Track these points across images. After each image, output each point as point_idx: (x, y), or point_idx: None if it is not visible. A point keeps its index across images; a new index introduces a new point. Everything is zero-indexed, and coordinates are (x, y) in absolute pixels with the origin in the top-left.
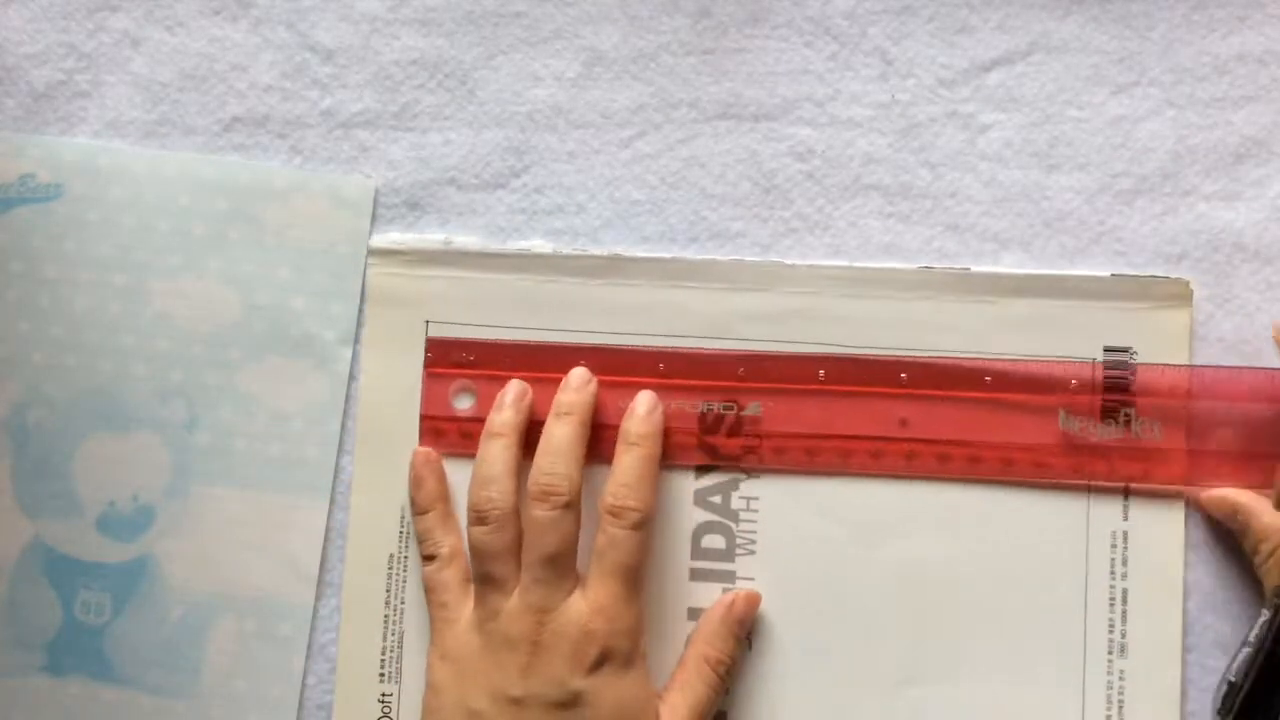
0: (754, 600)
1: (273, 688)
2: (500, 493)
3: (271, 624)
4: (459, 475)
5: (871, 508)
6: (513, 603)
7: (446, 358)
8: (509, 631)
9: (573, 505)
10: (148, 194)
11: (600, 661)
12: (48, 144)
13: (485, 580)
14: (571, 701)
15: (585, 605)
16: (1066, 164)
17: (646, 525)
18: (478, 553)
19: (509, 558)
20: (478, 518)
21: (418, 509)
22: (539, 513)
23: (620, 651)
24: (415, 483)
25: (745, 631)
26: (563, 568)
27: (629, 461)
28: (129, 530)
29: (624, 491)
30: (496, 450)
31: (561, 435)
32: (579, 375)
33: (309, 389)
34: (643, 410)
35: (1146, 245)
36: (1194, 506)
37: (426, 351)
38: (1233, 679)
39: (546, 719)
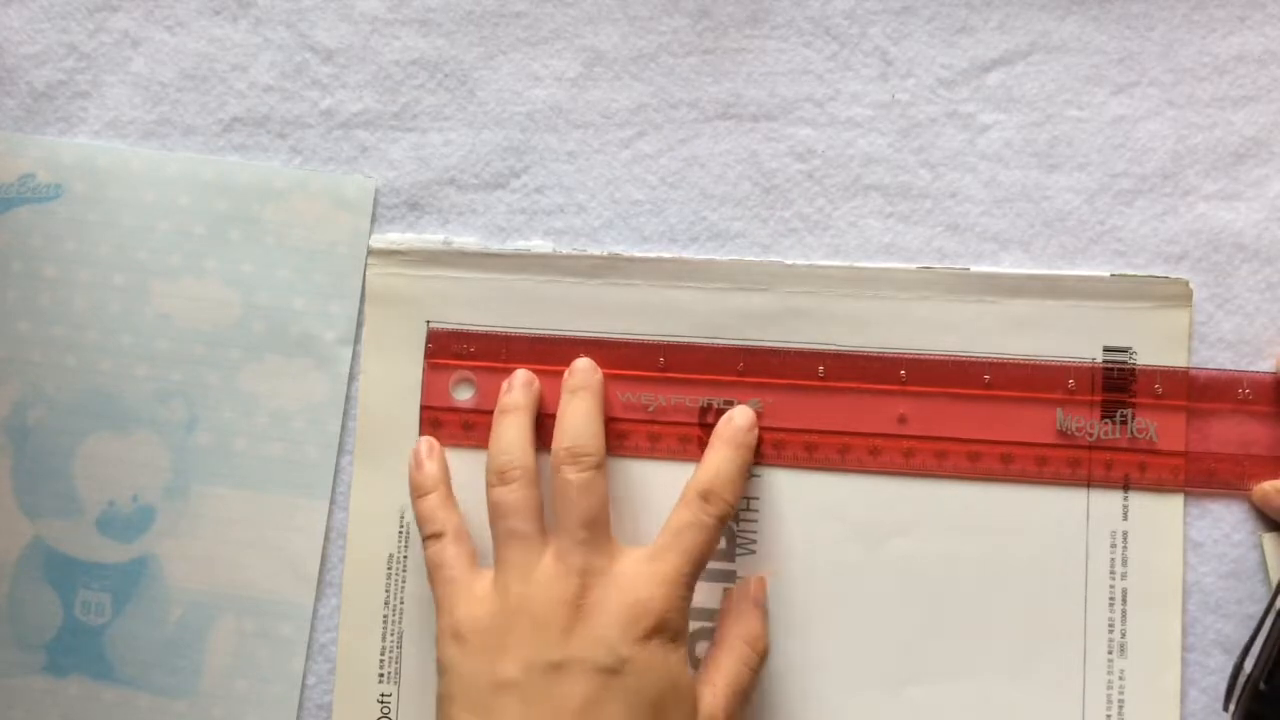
0: (765, 582)
1: (273, 688)
2: (521, 454)
3: (271, 624)
4: (460, 465)
5: (870, 506)
6: (548, 565)
7: (447, 349)
8: (547, 595)
9: (603, 467)
10: (148, 194)
11: (652, 632)
12: (48, 144)
13: (511, 536)
14: (617, 668)
15: (648, 572)
16: (1066, 164)
17: (726, 518)
18: (501, 510)
19: (534, 515)
20: (500, 477)
21: (420, 491)
22: (571, 475)
23: (672, 627)
24: (416, 465)
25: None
26: (602, 529)
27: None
28: (129, 530)
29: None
30: (510, 421)
31: (580, 406)
32: (585, 362)
33: (309, 389)
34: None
35: (1146, 245)
36: (1250, 505)
37: (427, 342)
38: (1239, 662)
39: (588, 684)
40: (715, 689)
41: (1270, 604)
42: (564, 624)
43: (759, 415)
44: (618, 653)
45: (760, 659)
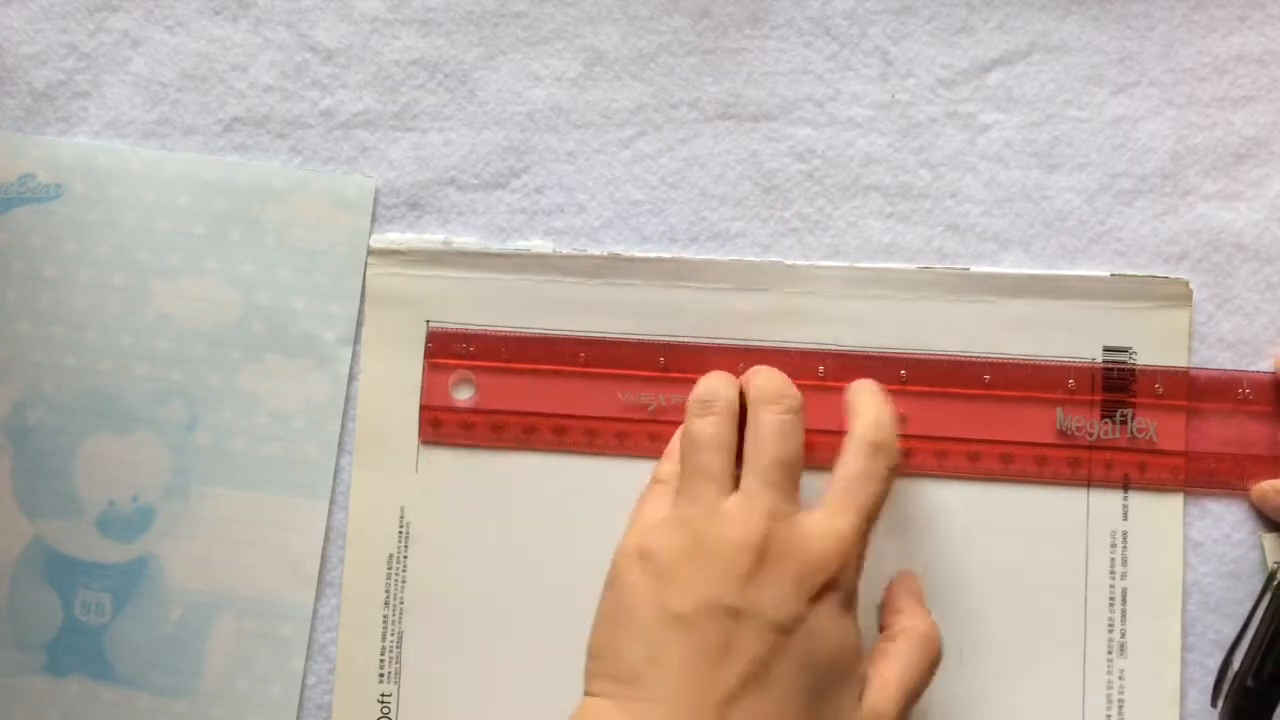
0: (916, 576)
1: (273, 688)
2: (726, 390)
3: (271, 624)
4: (460, 465)
5: None
6: (734, 504)
7: (447, 349)
8: (729, 534)
9: (802, 413)
10: (148, 194)
11: (823, 590)
12: (48, 144)
13: (698, 471)
14: (791, 626)
15: (823, 527)
16: (1066, 164)
17: (897, 470)
18: (696, 444)
19: (728, 452)
20: (703, 407)
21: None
22: (771, 416)
23: (844, 588)
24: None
25: None
26: (794, 476)
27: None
28: (129, 530)
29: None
30: (720, 370)
31: (769, 368)
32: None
33: (309, 389)
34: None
35: (1146, 245)
36: (1250, 505)
37: (427, 342)
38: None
39: (761, 639)
40: (886, 683)
41: (1258, 601)
42: (745, 570)
43: None
44: (792, 610)
45: (937, 660)
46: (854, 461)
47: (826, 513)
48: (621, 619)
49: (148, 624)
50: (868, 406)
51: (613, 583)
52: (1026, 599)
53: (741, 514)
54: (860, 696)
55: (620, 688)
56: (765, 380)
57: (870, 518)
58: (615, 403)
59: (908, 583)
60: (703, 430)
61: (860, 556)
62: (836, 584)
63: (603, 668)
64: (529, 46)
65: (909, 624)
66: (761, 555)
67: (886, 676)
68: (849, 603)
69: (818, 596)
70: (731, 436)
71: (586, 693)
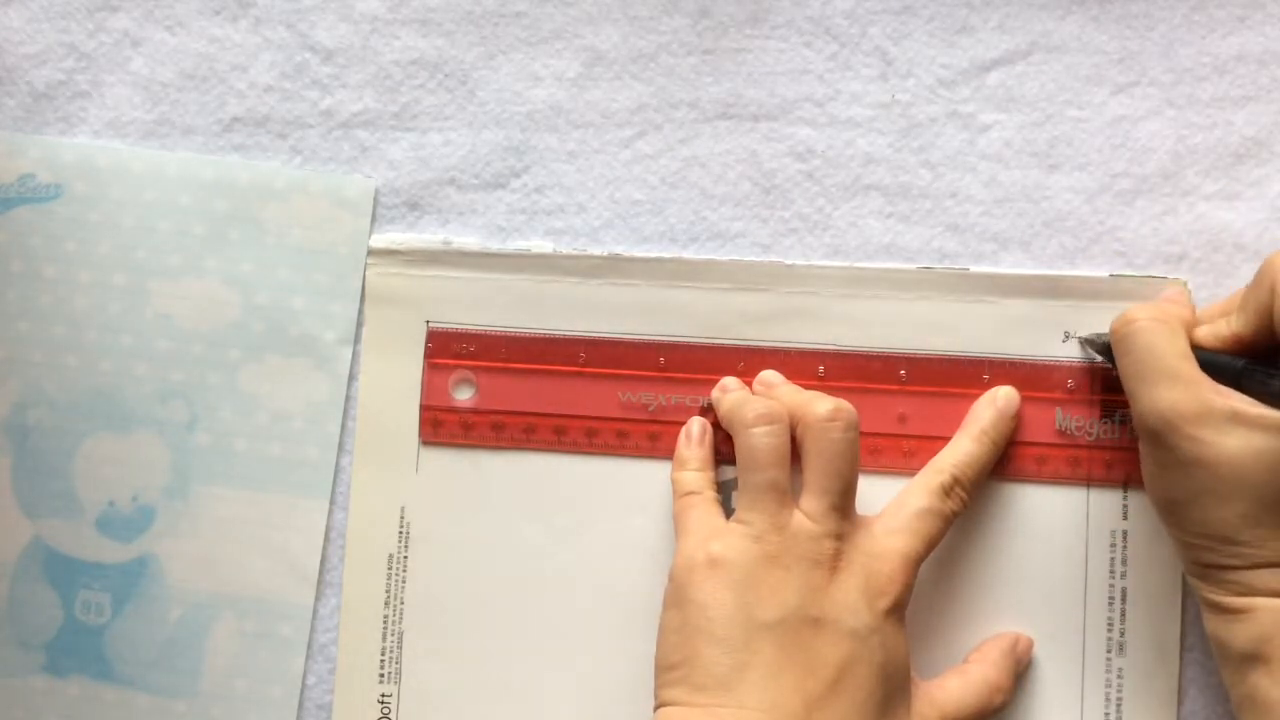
0: (1031, 646)
1: (273, 688)
2: (780, 403)
3: (271, 624)
4: (459, 465)
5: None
6: (803, 523)
7: (447, 349)
8: (805, 552)
9: (859, 430)
10: (148, 194)
11: (891, 609)
12: (48, 144)
13: (769, 487)
14: (866, 636)
15: (890, 548)
16: (1066, 164)
17: (960, 514)
18: (759, 458)
19: (787, 466)
20: (759, 418)
21: (684, 466)
22: (837, 435)
23: (903, 606)
24: (686, 443)
25: (1021, 672)
26: (853, 496)
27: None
28: (129, 530)
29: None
30: (735, 380)
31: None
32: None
33: (309, 389)
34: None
35: (1146, 245)
36: None
37: (427, 342)
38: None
39: (844, 646)
40: (934, 708)
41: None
42: (820, 584)
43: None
44: (866, 620)
45: (994, 710)
46: (925, 495)
47: (888, 530)
48: (700, 628)
49: (148, 624)
50: (966, 438)
51: (684, 595)
52: (1026, 598)
53: (813, 535)
54: (909, 709)
55: (704, 695)
56: (829, 399)
57: (930, 547)
58: (615, 403)
59: (1009, 642)
60: (763, 443)
61: (914, 581)
62: (899, 604)
63: (680, 677)
64: (529, 46)
65: (978, 669)
66: (832, 571)
67: (937, 701)
68: (903, 618)
69: (883, 609)
70: (789, 448)
71: (661, 703)
